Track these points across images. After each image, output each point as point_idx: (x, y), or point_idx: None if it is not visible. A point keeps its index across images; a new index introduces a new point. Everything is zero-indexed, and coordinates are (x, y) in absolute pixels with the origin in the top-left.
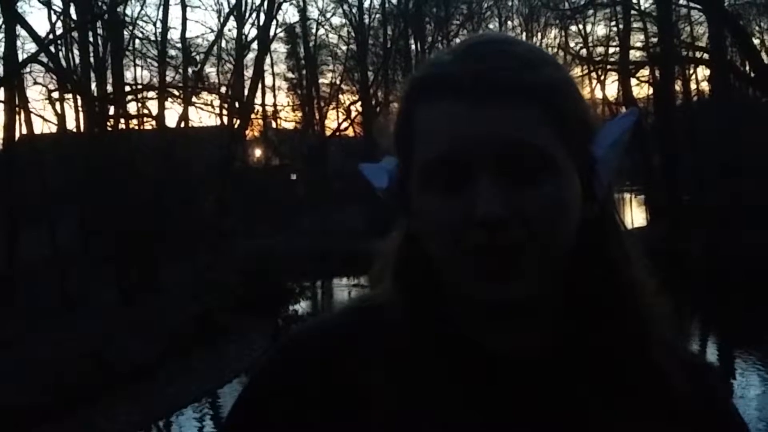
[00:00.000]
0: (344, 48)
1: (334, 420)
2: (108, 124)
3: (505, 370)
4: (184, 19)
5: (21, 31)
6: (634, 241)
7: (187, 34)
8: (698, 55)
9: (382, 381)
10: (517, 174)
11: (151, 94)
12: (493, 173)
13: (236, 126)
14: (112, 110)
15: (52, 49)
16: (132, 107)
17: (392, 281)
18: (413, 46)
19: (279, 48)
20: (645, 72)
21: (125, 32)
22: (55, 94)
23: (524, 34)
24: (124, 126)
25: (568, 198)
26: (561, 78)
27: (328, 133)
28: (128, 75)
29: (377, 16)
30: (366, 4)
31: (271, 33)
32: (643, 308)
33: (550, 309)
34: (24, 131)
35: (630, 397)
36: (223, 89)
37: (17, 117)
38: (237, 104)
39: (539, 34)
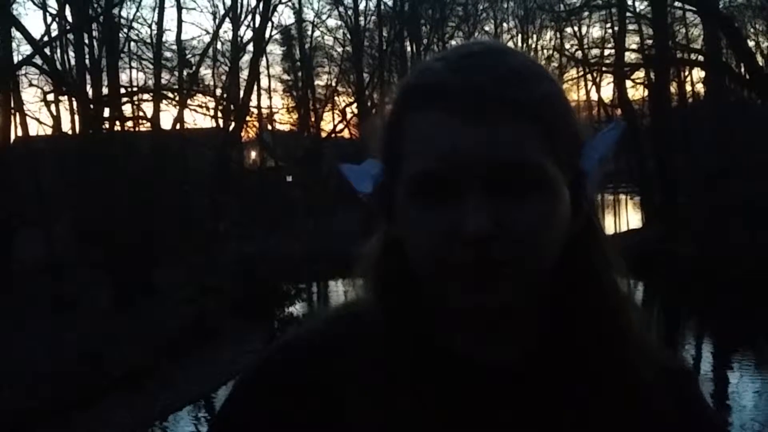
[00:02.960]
0: (340, 50)
1: (320, 425)
2: (103, 126)
3: (484, 378)
4: (180, 21)
5: (16, 33)
6: (617, 252)
7: (183, 36)
8: (693, 57)
9: (361, 392)
10: (508, 191)
11: (146, 96)
12: (483, 189)
13: (232, 128)
14: (107, 112)
15: (47, 51)
16: (127, 109)
17: (372, 288)
18: (409, 48)
19: (274, 50)
20: (640, 74)
21: (120, 34)
22: (50, 97)
23: (519, 36)
24: (119, 128)
25: (557, 214)
26: (554, 92)
27: (323, 135)
28: (123, 77)
29: (373, 18)
30: (361, 6)
31: (267, 35)
32: (624, 318)
33: (530, 317)
34: (19, 133)
35: (608, 405)
36: (218, 91)
37: (12, 119)
38: (232, 106)
39: (534, 36)
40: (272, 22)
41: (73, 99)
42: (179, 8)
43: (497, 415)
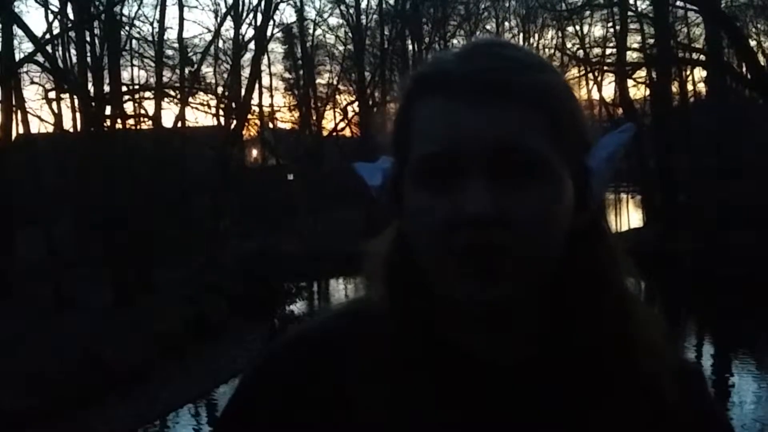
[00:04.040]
0: (341, 48)
1: (322, 422)
2: (105, 124)
3: (490, 374)
4: (181, 19)
5: (18, 31)
6: (624, 251)
7: (184, 34)
8: (695, 56)
9: (369, 387)
10: (510, 175)
11: (148, 94)
12: (485, 173)
13: (233, 126)
14: (108, 110)
15: (49, 48)
16: (129, 107)
17: (382, 283)
18: (410, 47)
19: (276, 48)
20: (642, 73)
21: (122, 32)
22: (52, 94)
23: (521, 35)
24: (120, 126)
25: (558, 204)
26: (559, 84)
27: (325, 133)
28: (125, 75)
29: (374, 16)
30: (363, 5)
31: (269, 33)
32: (632, 317)
33: (535, 314)
34: (21, 131)
35: (614, 402)
36: (219, 89)
37: (14, 117)
38: (234, 104)
39: (536, 35)
40: (274, 21)
41: (75, 97)
42: (181, 6)
43: (502, 412)
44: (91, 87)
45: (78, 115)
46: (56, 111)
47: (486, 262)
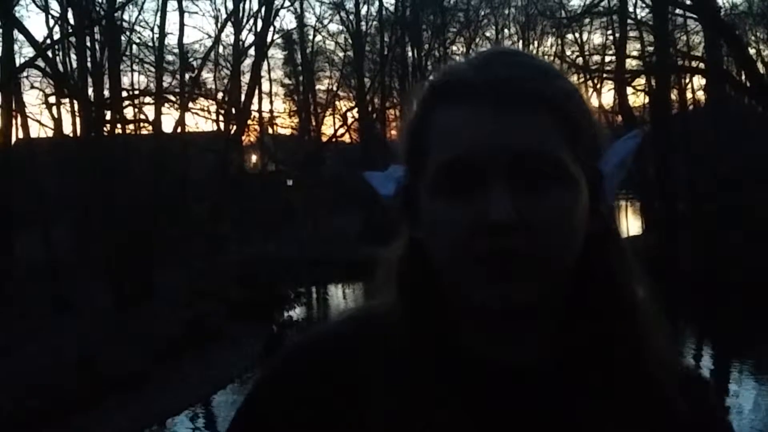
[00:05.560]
0: (341, 55)
1: (335, 426)
2: (105, 129)
3: (504, 379)
4: (182, 25)
5: (18, 36)
6: (635, 257)
7: (185, 40)
8: (694, 64)
9: (382, 391)
10: (531, 182)
11: (148, 99)
12: (507, 179)
13: (233, 132)
14: (108, 115)
15: (50, 53)
16: (129, 112)
17: (395, 290)
18: (410, 54)
19: (276, 54)
20: (641, 81)
21: (123, 37)
22: (52, 99)
23: (521, 42)
24: (120, 131)
25: (577, 209)
26: (575, 91)
27: (324, 139)
28: (125, 80)
29: (374, 23)
30: (363, 11)
31: (269, 39)
32: (641, 322)
33: (551, 319)
34: (20, 135)
35: (626, 408)
36: (219, 95)
37: (14, 121)
38: (233, 110)
39: (536, 43)
40: (274, 27)
41: (75, 101)
42: (181, 12)
43: (517, 415)
44: (91, 92)
45: (78, 119)
46: (56, 116)
47: (509, 267)
